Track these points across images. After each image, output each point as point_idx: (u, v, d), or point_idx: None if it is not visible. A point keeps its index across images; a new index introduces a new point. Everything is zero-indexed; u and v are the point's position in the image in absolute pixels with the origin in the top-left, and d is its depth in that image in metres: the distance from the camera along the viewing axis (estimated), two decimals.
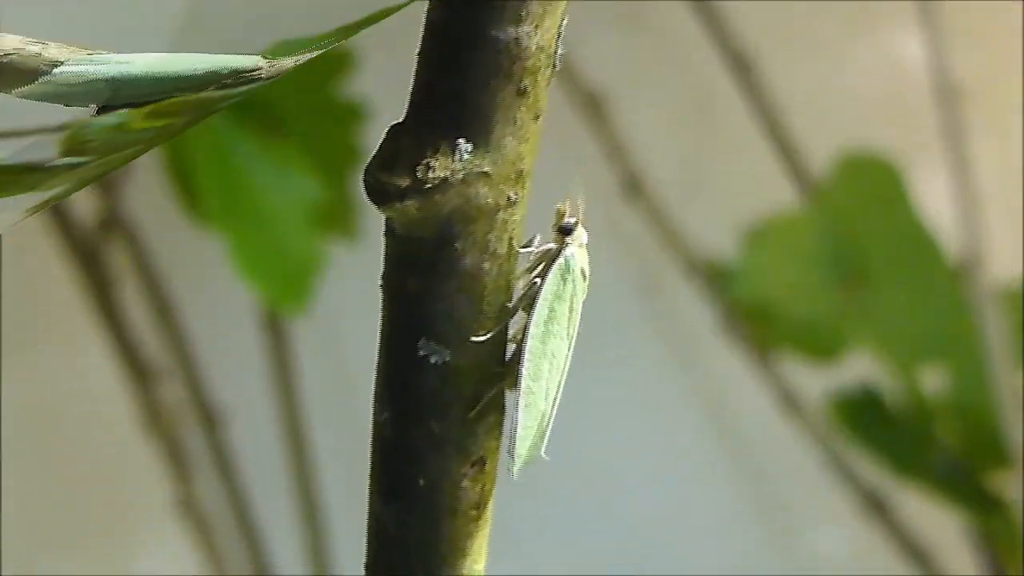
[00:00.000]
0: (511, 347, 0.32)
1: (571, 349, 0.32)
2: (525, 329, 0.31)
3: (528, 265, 0.32)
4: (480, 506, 0.32)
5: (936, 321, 0.79)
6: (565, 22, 0.29)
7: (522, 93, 0.29)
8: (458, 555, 0.32)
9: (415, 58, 0.29)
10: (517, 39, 0.28)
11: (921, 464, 0.78)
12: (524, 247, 0.31)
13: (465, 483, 0.32)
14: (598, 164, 0.81)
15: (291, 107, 0.78)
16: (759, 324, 0.81)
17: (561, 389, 0.32)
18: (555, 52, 0.29)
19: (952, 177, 0.77)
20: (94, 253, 0.78)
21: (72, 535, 0.84)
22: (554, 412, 0.32)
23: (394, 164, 0.29)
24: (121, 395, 0.79)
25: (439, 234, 0.30)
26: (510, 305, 0.31)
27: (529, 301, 0.32)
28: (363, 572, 0.33)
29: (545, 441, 0.33)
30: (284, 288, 0.74)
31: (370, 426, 0.32)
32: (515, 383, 0.32)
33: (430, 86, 0.29)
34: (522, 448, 0.32)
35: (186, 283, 0.83)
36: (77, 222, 0.78)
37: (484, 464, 0.32)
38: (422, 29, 0.29)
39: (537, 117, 0.29)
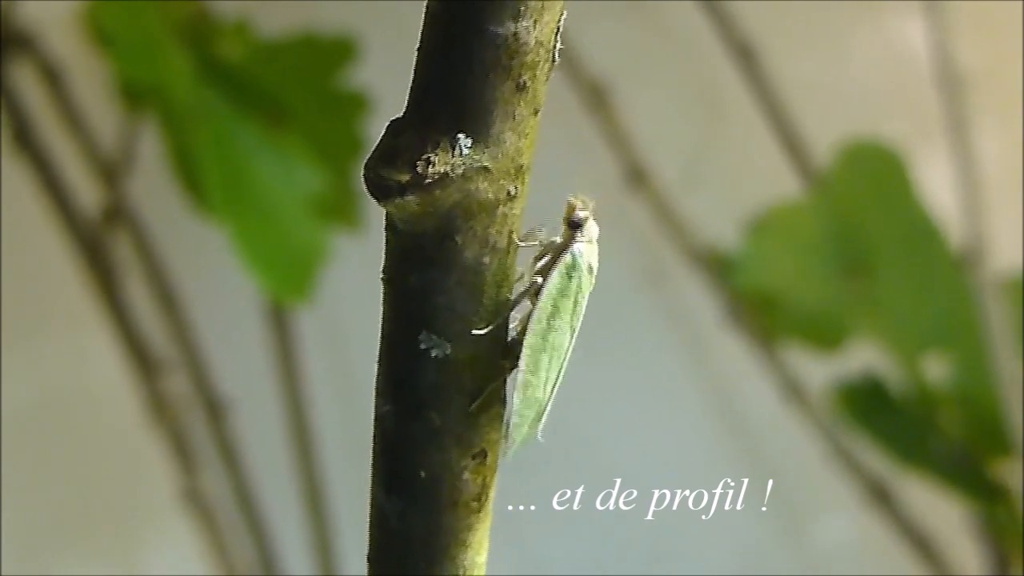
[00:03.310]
0: (513, 339, 0.32)
1: (574, 339, 0.32)
2: (527, 323, 0.32)
3: (535, 255, 0.32)
4: (481, 498, 0.32)
5: (939, 310, 0.79)
6: (564, 17, 0.29)
7: (521, 88, 0.29)
8: (460, 547, 0.32)
9: (416, 50, 0.29)
10: (516, 34, 0.29)
11: (924, 453, 0.78)
12: (522, 240, 0.31)
13: (466, 475, 0.32)
14: (601, 154, 0.81)
15: (294, 98, 0.78)
16: (763, 314, 0.81)
17: (562, 377, 0.32)
18: (554, 47, 0.29)
19: (955, 167, 0.77)
20: (98, 244, 0.79)
21: (77, 525, 0.85)
22: (552, 399, 0.33)
23: (395, 159, 0.29)
24: (125, 386, 0.79)
25: (440, 229, 0.30)
26: (511, 298, 0.31)
27: (532, 295, 0.32)
28: (365, 564, 0.33)
29: (541, 425, 0.33)
30: (287, 279, 0.74)
31: (373, 416, 0.32)
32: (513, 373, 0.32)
33: (429, 81, 0.29)
34: (516, 435, 0.32)
35: (190, 274, 0.83)
36: (81, 213, 0.78)
37: (485, 456, 0.32)
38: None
39: (536, 112, 0.30)
